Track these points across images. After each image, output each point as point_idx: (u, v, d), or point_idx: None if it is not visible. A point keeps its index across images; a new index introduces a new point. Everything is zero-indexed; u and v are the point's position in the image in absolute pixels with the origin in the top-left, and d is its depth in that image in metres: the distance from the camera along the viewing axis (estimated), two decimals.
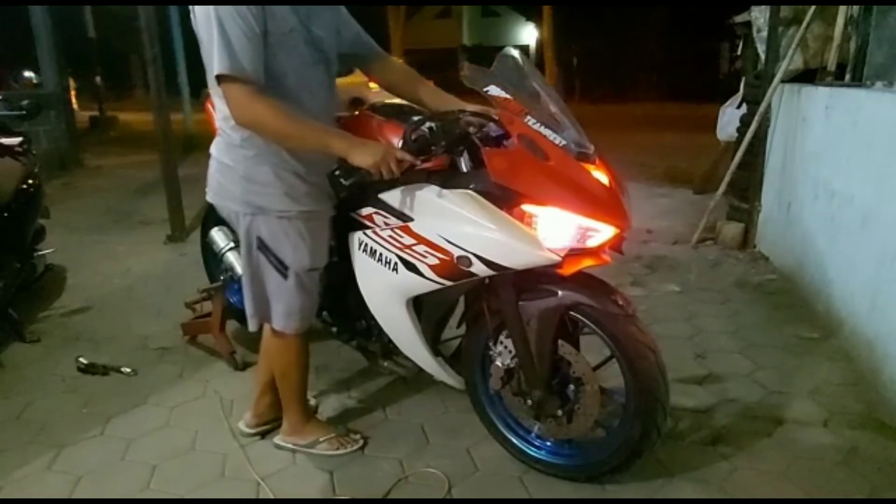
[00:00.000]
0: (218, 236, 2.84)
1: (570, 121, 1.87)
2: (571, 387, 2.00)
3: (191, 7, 1.80)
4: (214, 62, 1.73)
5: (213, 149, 2.01)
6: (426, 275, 1.93)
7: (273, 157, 1.91)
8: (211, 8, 1.71)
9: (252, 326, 2.15)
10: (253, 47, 1.74)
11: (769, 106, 4.28)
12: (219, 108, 1.92)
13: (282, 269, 2.01)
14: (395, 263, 1.99)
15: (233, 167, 1.95)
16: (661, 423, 1.91)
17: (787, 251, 4.02)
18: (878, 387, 2.55)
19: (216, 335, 2.95)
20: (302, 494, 2.08)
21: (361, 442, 2.30)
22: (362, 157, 1.80)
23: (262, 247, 1.99)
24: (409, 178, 1.93)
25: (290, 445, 2.27)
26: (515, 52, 1.98)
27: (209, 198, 2.07)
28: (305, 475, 2.16)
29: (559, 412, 2.00)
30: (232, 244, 2.79)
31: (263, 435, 2.37)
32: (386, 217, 2.03)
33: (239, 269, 2.72)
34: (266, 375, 2.31)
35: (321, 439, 2.25)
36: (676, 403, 2.39)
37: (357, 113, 2.25)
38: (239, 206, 1.97)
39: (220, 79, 1.76)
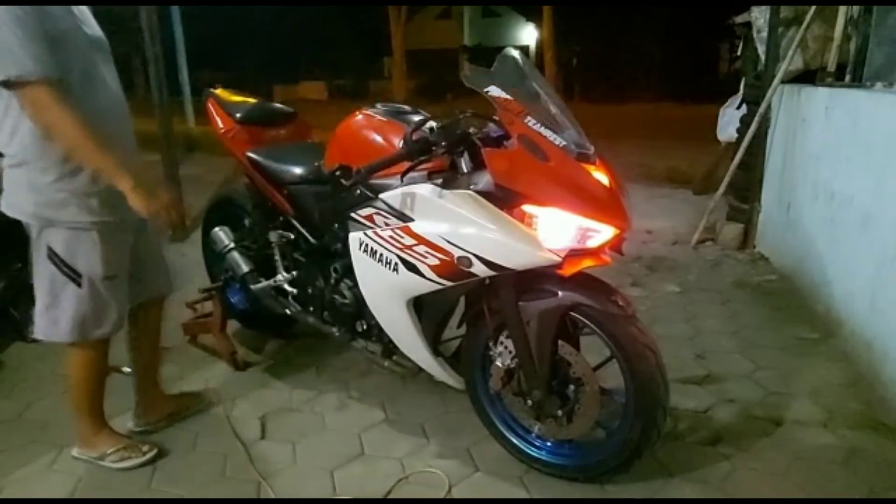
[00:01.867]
0: (219, 236, 2.84)
1: (571, 121, 1.88)
2: (571, 387, 2.00)
3: None
4: (8, 61, 1.68)
5: (6, 157, 1.88)
6: (426, 275, 1.93)
7: (60, 167, 1.85)
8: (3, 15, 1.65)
9: (37, 334, 2.06)
10: (43, 48, 1.70)
11: (769, 106, 4.29)
12: (7, 110, 1.81)
13: (75, 277, 1.95)
14: (396, 264, 1.99)
15: (19, 178, 1.87)
16: (660, 423, 1.91)
17: (786, 252, 4.02)
18: (878, 387, 2.55)
19: (217, 335, 2.95)
20: (303, 494, 2.08)
21: (153, 453, 2.23)
22: (138, 202, 1.83)
23: (53, 256, 1.92)
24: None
25: (84, 457, 2.22)
26: (516, 53, 1.99)
27: (2, 208, 1.95)
28: (306, 475, 2.17)
29: (559, 412, 2.01)
30: (233, 244, 2.80)
31: (265, 433, 2.36)
32: (386, 217, 2.03)
33: (244, 268, 2.73)
34: (139, 370, 2.35)
35: (109, 451, 2.19)
36: (676, 404, 2.39)
37: (358, 113, 2.25)
38: (28, 218, 1.90)
39: (11, 83, 1.70)
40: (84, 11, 1.93)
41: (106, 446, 2.21)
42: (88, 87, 1.87)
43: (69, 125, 1.74)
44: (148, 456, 2.22)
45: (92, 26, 1.95)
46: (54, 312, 2.00)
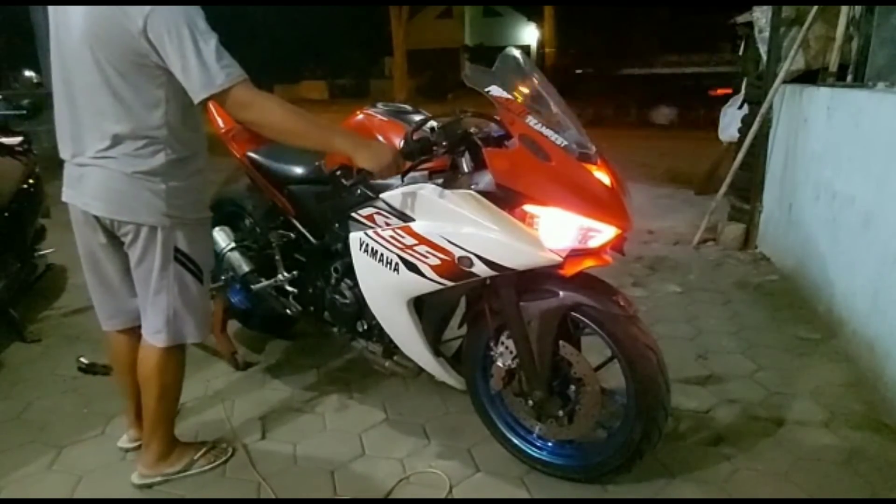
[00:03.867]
0: (219, 237, 2.84)
1: (572, 121, 1.87)
2: (572, 387, 2.00)
3: (141, 23, 1.63)
4: (207, 79, 1.65)
5: (119, 162, 1.80)
6: (427, 275, 1.92)
7: (190, 165, 1.88)
8: (176, 21, 1.63)
9: (163, 342, 1.99)
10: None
11: (771, 107, 4.28)
12: (157, 115, 1.78)
13: (199, 273, 1.98)
14: (397, 264, 1.98)
15: (158, 178, 1.82)
16: (662, 423, 1.91)
17: (788, 252, 4.02)
18: (880, 387, 2.55)
19: (217, 335, 2.94)
20: (303, 494, 2.07)
21: (231, 449, 2.25)
22: (368, 160, 1.78)
23: (180, 255, 1.92)
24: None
25: (158, 479, 2.09)
26: (517, 52, 1.98)
27: (101, 212, 1.87)
28: (306, 475, 2.16)
29: (560, 413, 2.00)
30: (233, 244, 2.79)
31: (265, 433, 2.36)
32: (387, 217, 2.03)
33: (245, 268, 2.72)
34: (132, 382, 2.17)
35: (196, 457, 2.16)
36: (678, 404, 2.39)
37: (359, 112, 2.25)
38: (157, 218, 1.85)
39: (213, 92, 1.68)
40: None
41: (189, 454, 2.16)
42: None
43: (277, 111, 1.74)
44: (230, 453, 2.24)
45: None
46: (183, 314, 1.98)
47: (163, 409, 2.07)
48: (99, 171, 1.83)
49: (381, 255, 2.02)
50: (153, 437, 2.09)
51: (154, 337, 2.00)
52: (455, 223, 1.85)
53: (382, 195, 2.04)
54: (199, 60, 1.65)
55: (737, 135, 5.24)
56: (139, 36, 1.65)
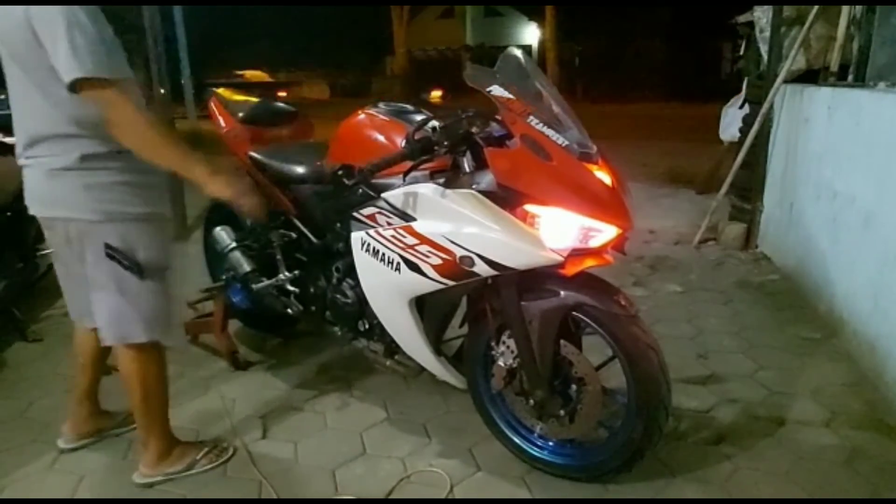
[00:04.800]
0: (221, 235, 2.84)
1: (573, 121, 1.87)
2: (573, 387, 2.00)
3: (24, 8, 1.67)
4: (76, 63, 1.65)
5: (40, 160, 1.84)
6: (429, 275, 1.93)
7: (120, 161, 1.85)
8: (56, 11, 1.65)
9: (107, 341, 1.99)
10: (103, 50, 1.71)
11: (771, 106, 4.28)
12: (64, 111, 1.78)
13: (137, 271, 1.91)
14: (398, 263, 1.98)
15: (76, 174, 1.82)
16: (663, 423, 1.91)
17: (789, 251, 4.01)
18: (881, 387, 2.55)
19: (218, 335, 2.95)
20: (304, 494, 2.08)
21: (232, 450, 2.25)
22: (221, 188, 1.86)
23: (112, 251, 1.88)
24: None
25: (160, 478, 2.10)
26: (518, 52, 1.98)
27: (33, 210, 1.92)
28: (308, 474, 2.17)
29: (561, 412, 2.00)
30: (234, 243, 2.79)
31: (266, 433, 2.36)
32: (389, 217, 2.03)
33: (246, 267, 2.72)
34: (85, 382, 2.22)
35: (198, 457, 2.16)
36: (678, 404, 2.39)
37: (360, 112, 2.25)
38: (84, 214, 1.84)
39: (84, 82, 1.68)
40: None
41: (191, 454, 2.16)
42: (132, 93, 1.86)
43: (141, 123, 1.76)
44: (231, 452, 2.24)
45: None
46: (125, 312, 1.95)
47: (151, 408, 2.07)
48: (28, 171, 1.89)
49: (383, 254, 2.03)
50: (149, 437, 2.10)
51: (101, 337, 2.00)
52: (456, 223, 1.85)
53: (384, 195, 2.04)
54: (69, 46, 1.65)
55: (738, 134, 5.24)
56: (26, 28, 1.68)
